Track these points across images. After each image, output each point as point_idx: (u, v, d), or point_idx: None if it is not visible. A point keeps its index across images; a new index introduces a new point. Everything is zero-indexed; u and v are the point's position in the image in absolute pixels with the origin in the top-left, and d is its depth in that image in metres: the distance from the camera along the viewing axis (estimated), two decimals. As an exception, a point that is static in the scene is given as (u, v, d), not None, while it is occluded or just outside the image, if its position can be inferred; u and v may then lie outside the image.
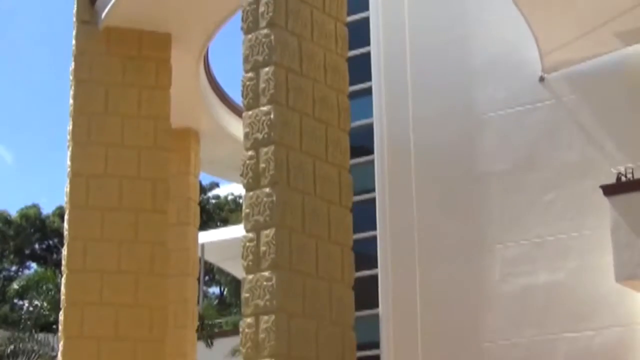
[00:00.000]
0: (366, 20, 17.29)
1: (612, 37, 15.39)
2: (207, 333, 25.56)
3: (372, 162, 16.60)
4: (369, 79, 16.93)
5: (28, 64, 65.69)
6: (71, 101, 17.05)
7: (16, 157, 63.59)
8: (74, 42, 17.23)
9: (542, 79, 15.89)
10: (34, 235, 45.81)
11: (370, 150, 16.67)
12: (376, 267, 16.14)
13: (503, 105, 16.02)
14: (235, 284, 41.16)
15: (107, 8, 16.70)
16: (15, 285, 29.37)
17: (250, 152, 12.28)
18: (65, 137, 17.26)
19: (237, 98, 16.68)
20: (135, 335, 16.37)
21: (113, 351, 16.23)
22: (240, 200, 25.02)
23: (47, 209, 46.70)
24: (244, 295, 12.01)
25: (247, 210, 12.18)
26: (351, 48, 13.90)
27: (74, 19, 17.28)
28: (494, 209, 15.60)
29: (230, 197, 48.04)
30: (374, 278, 16.11)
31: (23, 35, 66.02)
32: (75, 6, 17.27)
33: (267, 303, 11.73)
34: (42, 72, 65.72)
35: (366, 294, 15.44)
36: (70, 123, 16.97)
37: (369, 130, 16.67)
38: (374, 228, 16.34)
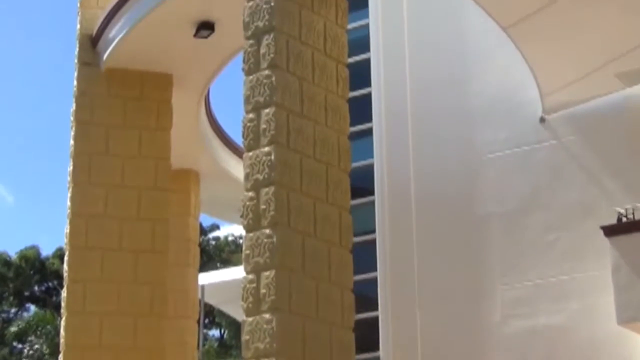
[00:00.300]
0: (367, 62, 17.35)
1: (612, 78, 15.43)
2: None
3: (372, 203, 16.59)
4: (370, 120, 16.96)
5: (29, 104, 65.87)
6: (72, 142, 17.06)
7: (17, 198, 63.64)
8: (75, 83, 17.27)
9: (542, 120, 15.91)
10: (33, 277, 45.67)
11: (370, 191, 16.66)
12: (377, 309, 16.07)
13: (503, 146, 16.03)
14: (235, 326, 41.00)
15: (108, 50, 16.76)
16: (14, 328, 29.18)
17: (250, 193, 12.26)
18: (65, 177, 17.27)
19: (238, 139, 16.70)
20: (135, 378, 16.28)
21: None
22: (241, 242, 24.96)
23: (47, 250, 46.62)
24: (244, 337, 11.94)
25: (247, 252, 12.14)
26: (352, 89, 13.92)
27: (76, 61, 17.34)
28: (495, 250, 15.56)
29: (230, 239, 47.97)
30: (375, 320, 16.03)
31: (23, 74, 66.25)
32: (76, 48, 17.34)
33: (267, 346, 11.65)
34: (44, 113, 65.86)
35: (367, 336, 15.36)
36: (71, 164, 16.97)
37: (369, 171, 16.67)
38: (375, 269, 16.29)
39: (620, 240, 13.67)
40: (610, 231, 13.79)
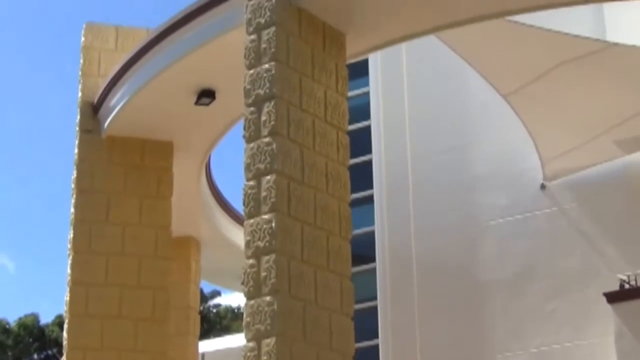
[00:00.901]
0: (368, 129, 17.42)
1: (612, 145, 15.50)
2: None
3: (373, 270, 16.55)
4: (371, 187, 16.97)
5: (29, 171, 65.93)
6: (72, 210, 17.05)
7: (18, 265, 63.45)
8: (76, 150, 17.30)
9: (543, 187, 15.95)
10: (32, 345, 45.40)
11: (372, 259, 16.62)
12: (378, 376, 15.97)
13: (504, 212, 16.04)
14: (235, 395, 40.60)
15: (109, 117, 16.82)
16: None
17: (251, 261, 12.22)
18: (66, 245, 17.24)
19: (239, 206, 16.70)
20: None
21: None
22: (242, 309, 24.85)
23: (47, 318, 46.37)
24: (245, 407, 11.84)
25: (248, 319, 12.07)
26: (353, 156, 13.94)
27: (77, 128, 17.39)
28: (496, 317, 15.49)
29: (231, 306, 47.73)
30: (376, 388, 15.93)
31: (24, 143, 66.41)
32: (78, 115, 17.40)
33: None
34: (45, 181, 65.91)
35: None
36: (71, 231, 16.95)
37: (370, 238, 16.65)
38: (376, 337, 16.20)
39: (623, 307, 13.62)
40: (612, 298, 13.74)
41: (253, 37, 13.03)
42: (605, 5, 15.87)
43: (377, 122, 17.46)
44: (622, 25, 16.20)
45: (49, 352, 45.76)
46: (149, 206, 17.24)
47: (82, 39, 17.66)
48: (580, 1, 13.46)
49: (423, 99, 17.38)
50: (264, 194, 12.35)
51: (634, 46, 14.82)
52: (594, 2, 14.10)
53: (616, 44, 15.03)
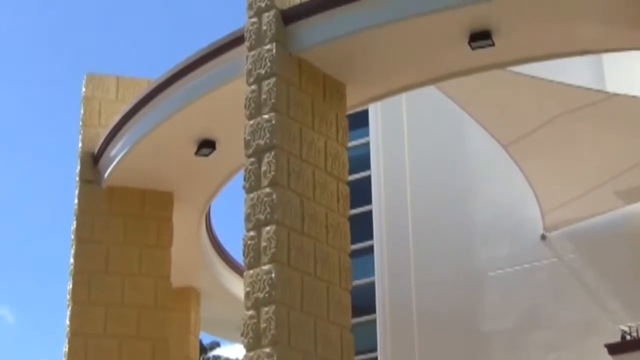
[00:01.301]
0: (368, 179, 17.42)
1: (612, 196, 15.50)
2: None
3: (374, 321, 16.47)
4: (371, 237, 16.95)
5: (29, 223, 65.78)
6: (71, 260, 17.00)
7: (18, 318, 63.03)
8: (76, 201, 17.29)
9: (543, 237, 15.93)
10: (31, 397, 45.05)
11: (372, 309, 16.55)
12: None
13: (505, 263, 16.00)
14: None
15: (110, 167, 16.82)
16: None
17: (251, 312, 12.16)
18: (65, 296, 17.16)
19: (238, 256, 16.65)
20: None
21: None
22: (241, 361, 24.70)
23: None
24: None
25: (248, 371, 12.01)
26: (353, 206, 13.93)
27: (77, 179, 17.38)
28: (498, 369, 15.40)
29: (231, 358, 47.42)
30: None
31: (22, 193, 66.34)
32: (78, 166, 17.40)
33: None
34: (45, 232, 65.75)
35: None
36: (70, 282, 16.89)
37: (371, 289, 16.59)
38: (377, 389, 16.11)
39: (625, 359, 13.54)
40: (614, 349, 13.66)
41: (253, 87, 13.07)
42: (605, 56, 15.93)
43: (377, 172, 17.47)
44: (621, 76, 16.27)
45: (47, 403, 45.33)
46: (149, 256, 17.20)
47: (83, 89, 17.71)
48: (579, 52, 13.54)
49: (423, 149, 17.41)
50: (264, 244, 12.32)
51: (633, 97, 14.87)
52: (592, 53, 14.15)
53: (615, 95, 15.09)
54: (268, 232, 12.34)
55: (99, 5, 44.91)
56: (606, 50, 13.96)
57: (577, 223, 15.71)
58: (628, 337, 13.95)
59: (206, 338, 44.69)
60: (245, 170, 12.92)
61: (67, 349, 16.60)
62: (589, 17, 12.59)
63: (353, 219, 13.86)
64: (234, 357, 44.91)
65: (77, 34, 45.34)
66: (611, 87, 16.00)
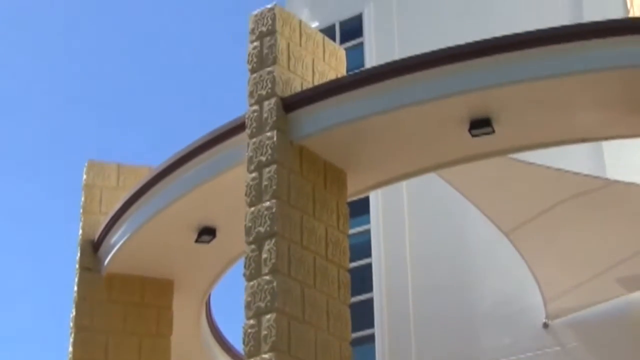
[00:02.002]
0: (369, 266, 17.38)
1: (614, 283, 15.44)
2: None
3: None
4: (372, 325, 16.85)
5: (28, 309, 65.46)
6: (70, 349, 16.86)
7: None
8: (75, 288, 17.21)
9: (546, 326, 15.82)
10: None
11: (373, 400, 16.40)
12: None
13: (507, 352, 15.87)
14: None
15: (110, 255, 16.78)
16: None
17: (251, 400, 12.06)
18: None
19: (238, 344, 16.52)
20: None
21: None
22: None
23: None
24: None
25: None
26: (354, 294, 13.88)
27: (77, 266, 17.34)
28: None
29: None
30: None
31: (21, 279, 66.15)
32: (78, 253, 17.37)
33: None
34: (43, 319, 65.40)
35: None
36: (69, 371, 16.75)
37: (371, 378, 16.45)
38: None
39: None
40: None
41: (254, 174, 13.11)
42: (604, 142, 16.00)
43: (378, 259, 17.43)
44: (621, 163, 16.31)
45: None
46: (149, 345, 17.06)
47: (84, 176, 17.74)
48: (579, 140, 13.62)
49: (424, 236, 17.39)
50: (264, 332, 12.24)
51: (634, 184, 14.90)
52: (592, 140, 14.24)
53: (616, 182, 15.12)
54: (268, 320, 12.27)
55: (99, 91, 45.28)
56: (606, 138, 14.04)
57: (579, 311, 15.62)
58: None
59: None
60: (246, 257, 12.89)
61: None
62: (588, 105, 12.70)
63: (354, 307, 13.78)
64: None
65: (78, 121, 45.63)
66: (611, 173, 16.03)
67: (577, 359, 15.40)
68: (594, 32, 12.12)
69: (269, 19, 13.69)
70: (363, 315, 16.57)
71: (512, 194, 15.64)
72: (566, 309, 15.74)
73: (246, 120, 13.43)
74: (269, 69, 13.42)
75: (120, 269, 17.04)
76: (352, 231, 14.24)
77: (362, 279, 16.65)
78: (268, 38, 13.60)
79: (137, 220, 15.94)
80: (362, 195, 15.50)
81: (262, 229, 12.79)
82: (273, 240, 12.63)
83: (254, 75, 13.54)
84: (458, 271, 16.87)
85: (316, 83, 13.74)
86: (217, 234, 15.81)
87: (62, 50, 45.09)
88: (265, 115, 13.24)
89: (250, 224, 12.92)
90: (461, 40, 12.70)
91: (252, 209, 12.97)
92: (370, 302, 17.13)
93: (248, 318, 12.50)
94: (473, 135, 12.86)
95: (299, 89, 13.52)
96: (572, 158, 15.72)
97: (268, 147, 13.06)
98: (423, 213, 17.67)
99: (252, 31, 13.83)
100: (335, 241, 13.55)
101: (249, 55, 13.72)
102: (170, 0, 46.16)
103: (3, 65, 44.69)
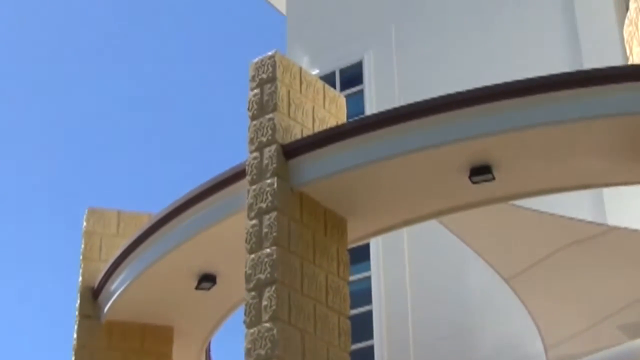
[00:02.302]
0: (369, 313, 17.34)
1: (616, 330, 15.39)
2: None
3: None
4: (373, 373, 16.79)
5: (28, 357, 65.16)
6: (70, 396, 16.81)
7: None
8: (74, 335, 17.14)
9: (547, 373, 15.75)
10: None
11: None
12: None
13: (509, 399, 15.80)
14: None
15: (109, 302, 16.74)
16: None
17: None
18: None
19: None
20: None
21: None
22: None
23: None
24: None
25: None
26: (354, 341, 13.82)
27: (76, 313, 17.29)
28: None
29: None
30: None
31: (21, 327, 65.90)
32: (77, 301, 17.33)
33: None
34: (42, 366, 65.10)
35: None
36: (68, 419, 16.67)
37: None
38: None
39: None
40: None
41: (254, 221, 13.10)
42: (605, 189, 16.02)
43: (378, 307, 17.39)
44: (622, 209, 16.32)
45: None
46: (147, 394, 17.00)
47: (84, 223, 17.74)
48: (579, 186, 13.62)
49: (425, 283, 17.36)
50: (264, 380, 12.18)
51: (634, 230, 14.89)
52: (593, 187, 14.24)
53: (617, 228, 15.11)
54: (268, 368, 12.22)
55: (99, 138, 45.38)
56: (607, 185, 14.05)
57: (581, 358, 15.54)
58: None
59: None
60: (246, 304, 12.85)
61: None
62: (588, 152, 12.71)
63: (354, 354, 13.72)
64: None
65: (78, 168, 45.69)
66: (612, 220, 16.03)
67: (579, 406, 15.32)
68: (594, 79, 12.15)
69: (269, 66, 13.75)
70: (364, 362, 16.49)
71: (512, 240, 15.63)
72: (567, 355, 15.67)
73: (246, 167, 13.45)
74: (269, 116, 13.46)
75: (120, 316, 16.98)
76: (352, 278, 14.21)
77: (362, 327, 16.59)
78: (268, 85, 13.65)
79: (137, 268, 15.92)
80: (362, 242, 15.49)
81: (262, 276, 12.77)
82: (273, 288, 12.60)
83: (255, 122, 13.57)
84: (459, 318, 16.82)
85: (316, 130, 13.77)
86: (218, 280, 15.78)
87: (64, 96, 45.28)
88: (265, 162, 13.26)
89: (250, 271, 12.90)
90: (461, 87, 12.73)
91: (253, 255, 12.95)
92: (370, 349, 17.07)
93: (248, 366, 12.45)
94: (473, 182, 12.86)
95: (299, 136, 13.55)
96: (573, 204, 15.73)
97: (268, 194, 13.06)
98: (424, 260, 17.66)
99: (253, 78, 13.88)
100: (335, 288, 13.52)
101: (249, 102, 13.76)
102: (170, 46, 46.39)
103: (5, 112, 44.90)
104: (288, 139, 13.41)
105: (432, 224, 15.11)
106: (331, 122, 14.19)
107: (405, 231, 17.39)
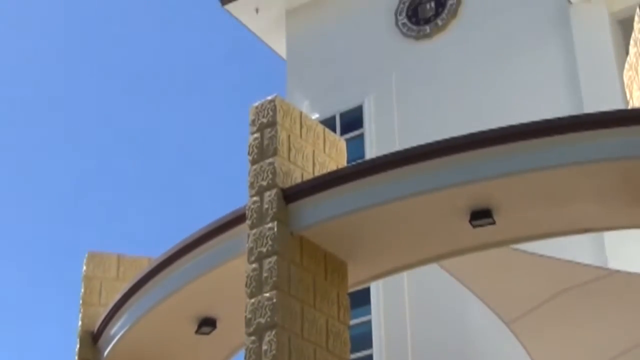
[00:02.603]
0: (370, 357, 17.29)
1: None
2: None
3: None
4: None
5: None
6: None
7: None
8: (74, 382, 17.11)
9: (548, 418, 15.68)
10: None
11: None
12: None
13: None
14: None
15: (109, 347, 16.67)
16: None
17: None
18: None
19: None
20: None
21: None
22: None
23: None
24: None
25: None
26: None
27: (76, 358, 17.22)
28: None
29: None
30: None
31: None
32: (77, 345, 17.27)
33: None
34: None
35: None
36: None
37: None
38: None
39: None
40: None
41: (254, 265, 13.08)
42: (606, 232, 16.01)
43: (379, 351, 17.33)
44: (622, 253, 16.30)
45: None
46: None
47: (84, 267, 17.72)
48: (579, 231, 13.62)
49: (425, 326, 17.32)
50: None
51: (635, 274, 14.87)
52: (593, 231, 14.24)
53: (618, 272, 15.09)
54: (267, 415, 12.16)
55: (99, 182, 45.45)
56: (607, 229, 14.05)
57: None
58: None
59: None
60: (246, 349, 12.81)
61: None
62: (589, 196, 12.72)
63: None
64: None
65: (77, 210, 45.71)
66: (613, 263, 16.01)
67: None
68: (594, 123, 12.18)
69: (269, 110, 13.78)
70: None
71: (513, 284, 15.60)
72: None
73: (247, 211, 13.45)
74: (269, 160, 13.47)
75: (120, 360, 16.93)
76: (353, 322, 14.16)
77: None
78: (269, 129, 13.67)
79: (137, 312, 15.88)
80: (363, 286, 15.46)
81: (262, 320, 12.73)
82: (273, 332, 12.56)
83: (255, 166, 13.58)
84: (457, 353, 16.78)
85: (317, 174, 13.78)
86: (218, 325, 15.73)
87: (64, 138, 45.39)
88: (265, 206, 13.26)
89: (250, 315, 12.86)
90: (461, 131, 12.76)
91: (253, 300, 12.92)
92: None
93: (247, 414, 12.39)
94: (474, 226, 12.86)
95: (299, 180, 13.56)
96: (574, 248, 15.72)
97: (268, 238, 13.05)
98: (424, 303, 17.62)
99: (253, 122, 13.90)
100: (336, 332, 13.47)
101: (249, 146, 13.78)
102: (169, 90, 46.55)
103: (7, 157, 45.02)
104: (288, 183, 13.42)
105: (433, 267, 15.09)
106: (331, 166, 14.21)
107: (405, 274, 17.36)
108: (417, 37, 21.18)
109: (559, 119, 12.45)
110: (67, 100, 45.44)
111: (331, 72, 22.15)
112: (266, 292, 12.82)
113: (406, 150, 12.93)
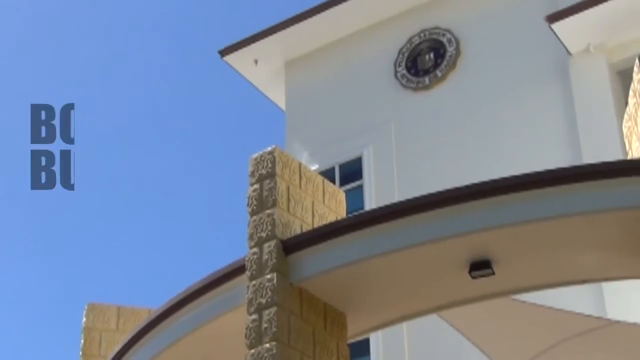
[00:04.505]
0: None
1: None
2: None
3: None
4: None
5: None
6: None
7: None
8: None
9: None
10: None
11: None
12: None
13: None
14: None
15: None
16: None
17: None
18: None
19: None
20: None
21: None
22: None
23: None
24: None
25: None
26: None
27: (77, 395, 17.23)
28: None
29: None
30: None
31: None
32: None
33: None
34: None
35: None
36: None
37: None
38: None
39: None
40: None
41: (254, 317, 13.06)
42: (605, 283, 16.02)
43: (376, 344, 17.29)
44: (622, 303, 16.28)
45: None
46: None
47: (84, 319, 17.71)
48: (579, 281, 13.62)
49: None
50: None
51: (635, 324, 14.85)
52: (593, 281, 14.25)
53: (617, 322, 15.07)
54: None
55: (98, 234, 45.45)
56: (606, 279, 14.05)
57: None
58: None
59: None
60: (247, 378, 12.79)
61: None
62: (588, 247, 12.73)
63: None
64: None
65: (77, 263, 45.69)
66: (612, 313, 15.98)
67: None
68: (593, 174, 12.21)
69: (268, 162, 13.81)
70: None
71: (512, 334, 15.58)
72: None
73: (246, 263, 13.45)
74: (268, 211, 13.49)
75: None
76: (352, 366, 14.13)
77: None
78: (268, 181, 13.70)
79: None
80: (362, 337, 15.43)
81: (262, 371, 12.70)
82: (274, 380, 12.54)
83: (254, 217, 13.60)
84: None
85: (316, 225, 13.80)
86: (217, 366, 15.70)
87: (60, 200, 45.45)
88: (265, 257, 13.26)
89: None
90: (460, 182, 12.81)
91: (252, 351, 12.89)
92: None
93: None
94: (473, 277, 12.86)
95: (298, 231, 13.57)
96: (573, 298, 15.72)
97: (268, 290, 13.04)
98: (423, 353, 17.59)
99: (252, 174, 13.93)
100: (337, 384, 13.44)
101: (248, 197, 13.80)
102: (167, 141, 46.65)
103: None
104: (287, 235, 13.43)
105: (432, 316, 15.08)
106: (331, 217, 14.23)
107: (404, 325, 17.34)
108: (416, 89, 21.31)
109: (558, 170, 12.49)
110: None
111: (330, 123, 22.25)
112: (266, 343, 12.80)
113: (405, 202, 12.96)
